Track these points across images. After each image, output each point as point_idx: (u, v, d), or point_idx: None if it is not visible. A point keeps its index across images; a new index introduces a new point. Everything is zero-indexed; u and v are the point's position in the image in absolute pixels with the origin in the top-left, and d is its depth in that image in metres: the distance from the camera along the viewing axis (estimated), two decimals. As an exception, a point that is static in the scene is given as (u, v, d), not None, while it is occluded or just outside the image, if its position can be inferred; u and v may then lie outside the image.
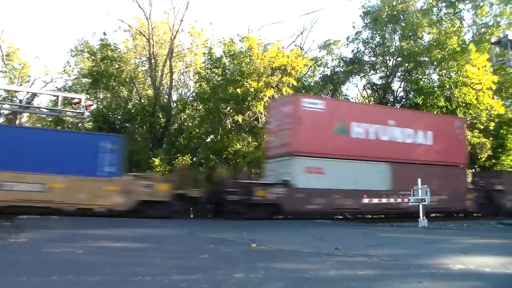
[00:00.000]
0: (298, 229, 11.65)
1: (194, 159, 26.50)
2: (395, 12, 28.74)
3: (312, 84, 31.91)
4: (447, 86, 25.65)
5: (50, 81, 33.86)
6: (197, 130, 26.12)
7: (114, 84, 26.95)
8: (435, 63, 27.18)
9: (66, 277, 4.23)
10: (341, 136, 16.31)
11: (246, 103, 22.76)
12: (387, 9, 28.70)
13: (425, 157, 18.09)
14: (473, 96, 24.96)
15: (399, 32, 30.04)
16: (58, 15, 59.41)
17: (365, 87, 33.47)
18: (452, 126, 19.82)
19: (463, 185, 19.15)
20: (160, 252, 6.44)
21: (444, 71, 27.28)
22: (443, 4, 28.63)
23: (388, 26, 29.58)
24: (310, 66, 31.25)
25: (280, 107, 17.74)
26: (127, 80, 27.66)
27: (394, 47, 30.24)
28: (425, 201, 12.92)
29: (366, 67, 31.25)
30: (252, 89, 22.13)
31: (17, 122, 31.30)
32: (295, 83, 24.01)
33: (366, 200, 15.52)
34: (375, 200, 15.51)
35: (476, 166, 26.92)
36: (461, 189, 18.76)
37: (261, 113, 23.05)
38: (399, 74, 30.83)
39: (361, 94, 35.24)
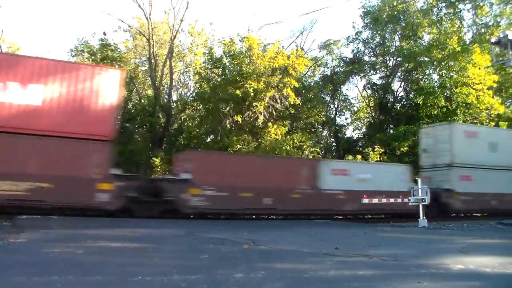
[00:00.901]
0: (298, 229, 11.65)
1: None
2: (395, 12, 28.77)
3: (312, 84, 31.93)
4: (448, 86, 25.66)
5: (50, 81, 33.83)
6: (197, 130, 26.14)
7: (114, 84, 26.92)
8: (435, 63, 27.20)
9: (66, 277, 4.23)
10: None
11: (246, 103, 22.78)
12: (387, 9, 28.73)
13: (14, 123, 11.85)
14: (474, 96, 24.99)
15: (399, 32, 30.07)
16: (58, 15, 59.45)
17: (365, 87, 33.52)
18: (89, 79, 12.92)
19: (97, 169, 12.42)
20: (160, 252, 6.44)
21: (444, 71, 27.30)
22: (443, 4, 28.68)
23: (388, 26, 29.61)
24: (310, 66, 31.27)
25: None
26: (127, 80, 27.65)
27: (394, 47, 30.28)
28: (425, 201, 12.92)
29: (366, 67, 31.28)
30: (252, 90, 22.15)
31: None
32: (296, 84, 24.03)
33: None
34: None
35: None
36: (89, 175, 12.28)
37: (261, 113, 23.07)
38: (399, 74, 30.89)
39: (361, 94, 35.28)
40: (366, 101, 34.34)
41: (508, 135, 21.30)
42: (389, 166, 19.65)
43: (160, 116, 26.51)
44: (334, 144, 34.51)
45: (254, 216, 15.80)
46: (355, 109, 36.27)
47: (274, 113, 23.96)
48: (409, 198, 13.46)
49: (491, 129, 22.25)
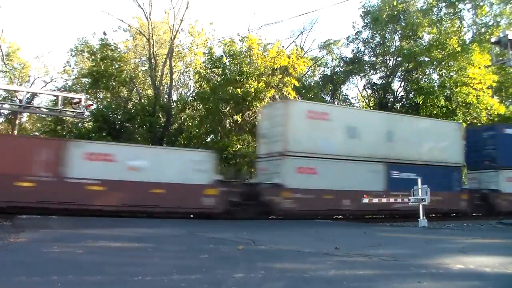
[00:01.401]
0: (298, 229, 11.65)
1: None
2: (395, 12, 28.76)
3: (312, 84, 31.95)
4: (448, 86, 25.66)
5: (50, 81, 33.98)
6: (197, 130, 26.15)
7: (114, 84, 26.99)
8: (435, 63, 27.20)
9: (66, 277, 4.23)
10: None
11: (246, 103, 22.80)
12: (387, 9, 28.71)
13: None
14: (474, 96, 24.99)
15: (399, 32, 30.07)
16: (58, 15, 59.46)
17: (365, 87, 33.53)
18: None
19: None
20: (160, 252, 6.44)
21: (444, 71, 27.30)
22: (443, 4, 28.66)
23: (388, 26, 29.60)
24: (310, 66, 31.29)
25: None
26: (127, 80, 27.69)
27: (394, 47, 30.27)
28: (425, 201, 12.91)
29: (366, 67, 31.28)
30: (252, 89, 22.16)
31: (17, 122, 31.33)
32: (296, 83, 24.05)
33: None
34: None
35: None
36: None
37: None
38: (399, 74, 30.87)
39: (361, 94, 35.29)
40: (366, 101, 34.34)
41: (374, 117, 17.27)
42: (179, 152, 15.58)
43: (160, 116, 26.52)
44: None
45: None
46: (355, 109, 36.28)
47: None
48: (409, 198, 13.42)
49: (349, 110, 18.07)
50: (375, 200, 14.11)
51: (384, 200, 14.26)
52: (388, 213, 16.45)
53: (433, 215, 16.53)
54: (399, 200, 14.11)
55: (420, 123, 18.46)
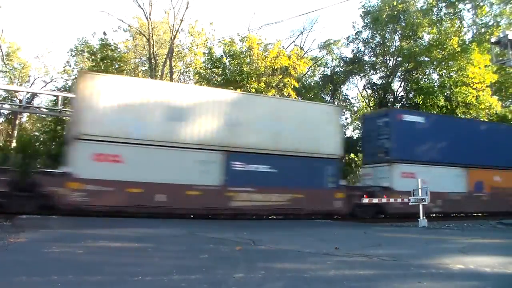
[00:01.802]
0: (298, 229, 11.65)
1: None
2: (395, 12, 28.79)
3: (312, 84, 31.96)
4: (447, 86, 25.69)
5: (50, 81, 33.99)
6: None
7: (114, 84, 26.94)
8: (435, 63, 27.23)
9: (66, 277, 4.23)
10: None
11: (246, 103, 22.83)
12: (387, 9, 28.73)
13: None
14: (473, 96, 25.01)
15: (399, 32, 30.08)
16: (58, 15, 59.47)
17: (365, 87, 33.56)
18: None
19: None
20: (160, 252, 6.44)
21: (444, 71, 27.32)
22: (443, 4, 28.68)
23: (388, 26, 29.63)
24: (310, 66, 31.31)
25: None
26: (127, 80, 27.70)
27: (394, 47, 30.30)
28: (425, 201, 12.92)
29: (366, 67, 31.32)
30: (252, 90, 22.16)
31: (17, 122, 31.34)
32: (296, 84, 24.05)
33: None
34: None
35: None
36: None
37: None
38: (399, 74, 30.89)
39: (361, 94, 35.31)
40: (366, 101, 34.37)
41: (211, 97, 13.94)
42: None
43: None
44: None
45: (254, 217, 14.47)
46: (355, 109, 36.34)
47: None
48: (409, 198, 13.42)
49: (175, 87, 14.65)
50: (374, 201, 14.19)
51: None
52: (226, 213, 14.03)
53: (294, 216, 14.74)
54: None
55: (279, 105, 15.29)
